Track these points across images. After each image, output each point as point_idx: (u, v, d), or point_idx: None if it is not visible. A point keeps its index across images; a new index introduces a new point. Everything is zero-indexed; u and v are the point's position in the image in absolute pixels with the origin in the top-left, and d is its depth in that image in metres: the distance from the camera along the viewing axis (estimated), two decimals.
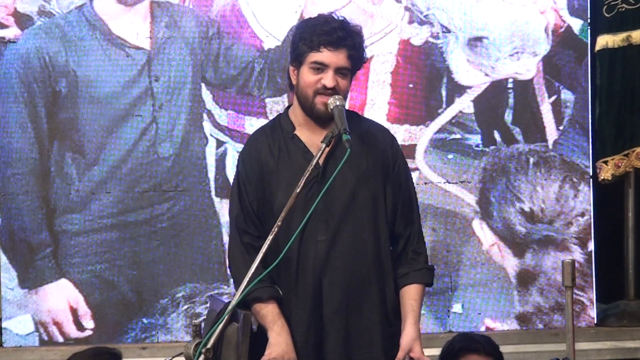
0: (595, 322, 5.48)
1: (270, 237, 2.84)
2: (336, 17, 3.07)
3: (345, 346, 3.03)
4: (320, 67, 3.00)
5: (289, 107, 3.19)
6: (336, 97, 3.00)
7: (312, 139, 3.08)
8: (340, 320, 3.02)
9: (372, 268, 3.06)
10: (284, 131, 3.12)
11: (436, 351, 4.41)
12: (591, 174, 5.48)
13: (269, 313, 2.98)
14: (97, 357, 3.53)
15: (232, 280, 3.19)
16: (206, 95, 5.30)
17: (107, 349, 3.69)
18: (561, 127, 5.47)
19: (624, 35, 5.47)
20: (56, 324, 5.21)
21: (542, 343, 5.27)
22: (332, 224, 3.03)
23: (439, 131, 5.39)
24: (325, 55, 3.00)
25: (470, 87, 5.42)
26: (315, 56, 3.00)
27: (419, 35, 5.35)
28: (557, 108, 5.47)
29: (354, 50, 3.04)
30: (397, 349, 3.04)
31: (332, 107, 2.99)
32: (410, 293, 3.09)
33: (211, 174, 5.29)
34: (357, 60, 3.07)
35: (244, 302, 2.89)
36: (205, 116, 5.29)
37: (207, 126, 5.29)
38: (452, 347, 3.66)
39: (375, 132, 3.18)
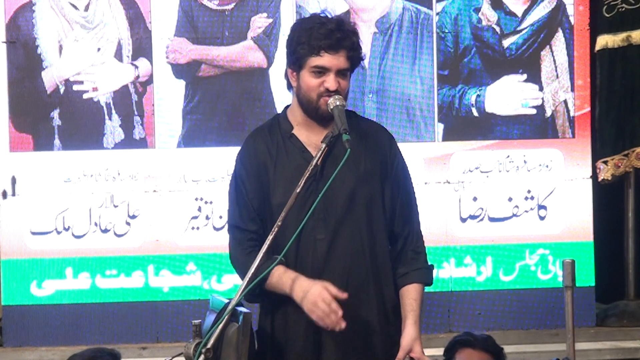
0: (595, 322, 5.48)
1: (270, 238, 2.84)
2: (331, 18, 3.07)
3: (343, 345, 3.02)
4: (321, 71, 3.00)
5: (287, 107, 3.19)
6: (336, 97, 3.00)
7: (311, 138, 3.08)
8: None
9: (370, 267, 3.06)
10: (282, 130, 3.12)
11: (436, 351, 4.40)
12: (591, 174, 5.48)
13: (277, 282, 2.96)
14: (97, 358, 3.53)
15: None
16: None
17: (106, 349, 3.69)
18: (562, 127, 5.47)
19: (624, 35, 5.47)
20: None
21: (542, 343, 5.27)
22: (331, 223, 3.03)
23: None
24: (326, 60, 3.00)
25: None
26: (316, 60, 3.00)
27: None
28: (558, 108, 5.47)
29: (353, 50, 3.03)
30: (397, 348, 3.04)
31: (332, 107, 2.99)
32: (410, 292, 3.09)
33: None
34: (355, 60, 3.07)
35: (253, 291, 2.88)
36: None
37: None
38: (451, 342, 3.72)
39: (374, 131, 3.18)
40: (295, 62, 3.04)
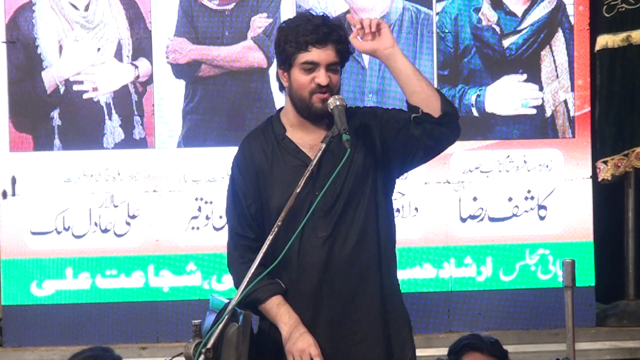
0: (595, 322, 5.48)
1: (270, 238, 2.84)
2: (316, 15, 3.07)
3: (343, 344, 3.03)
4: (311, 67, 3.00)
5: (280, 109, 3.19)
6: (336, 97, 2.99)
7: (305, 139, 3.08)
8: (339, 311, 3.03)
9: (373, 261, 3.05)
10: (275, 133, 3.12)
11: (436, 351, 4.41)
12: (591, 174, 5.48)
13: (272, 309, 3.00)
14: (97, 358, 3.52)
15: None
16: None
17: (105, 349, 3.68)
18: (562, 127, 5.47)
19: (624, 35, 5.47)
20: None
21: (542, 343, 5.27)
22: (332, 220, 3.03)
23: None
24: (314, 54, 2.99)
25: None
26: (304, 56, 2.99)
27: None
28: (558, 108, 5.47)
29: (340, 44, 3.03)
30: (396, 349, 3.05)
31: (332, 107, 2.98)
32: None
33: None
34: (344, 53, 3.06)
35: (247, 305, 2.89)
36: None
37: None
38: (458, 344, 3.70)
39: (364, 120, 3.14)
40: (285, 61, 3.03)
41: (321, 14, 3.09)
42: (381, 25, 3.01)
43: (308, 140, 3.06)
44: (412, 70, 3.03)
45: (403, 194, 5.35)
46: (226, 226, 3.17)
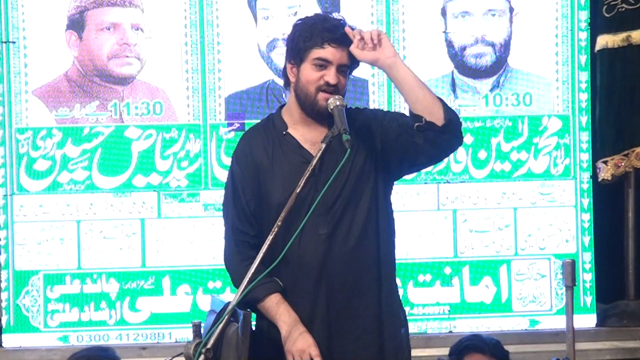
0: (595, 322, 5.47)
1: (270, 238, 2.84)
2: (334, 17, 3.09)
3: (340, 341, 3.04)
4: (323, 64, 3.01)
5: (282, 106, 3.20)
6: (336, 97, 3.01)
7: (306, 135, 3.09)
8: (337, 309, 3.04)
9: (373, 259, 3.07)
10: (276, 130, 3.12)
11: (436, 351, 4.40)
12: (591, 174, 5.48)
13: (271, 307, 3.00)
14: (96, 358, 3.53)
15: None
16: None
17: (105, 351, 3.69)
18: (561, 127, 5.47)
19: (623, 35, 5.47)
20: None
21: (542, 343, 5.27)
22: (333, 218, 3.04)
23: None
24: (328, 52, 3.01)
25: None
26: (318, 52, 3.01)
27: None
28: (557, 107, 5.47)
29: None
30: (391, 344, 3.07)
31: (332, 107, 3.00)
32: None
33: None
34: (356, 59, 3.08)
35: (245, 303, 2.89)
36: None
37: None
38: (459, 345, 3.72)
39: (366, 121, 3.17)
40: (297, 55, 3.05)
41: (340, 17, 3.11)
42: (381, 35, 3.02)
43: (310, 137, 3.07)
44: (414, 79, 3.03)
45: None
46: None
